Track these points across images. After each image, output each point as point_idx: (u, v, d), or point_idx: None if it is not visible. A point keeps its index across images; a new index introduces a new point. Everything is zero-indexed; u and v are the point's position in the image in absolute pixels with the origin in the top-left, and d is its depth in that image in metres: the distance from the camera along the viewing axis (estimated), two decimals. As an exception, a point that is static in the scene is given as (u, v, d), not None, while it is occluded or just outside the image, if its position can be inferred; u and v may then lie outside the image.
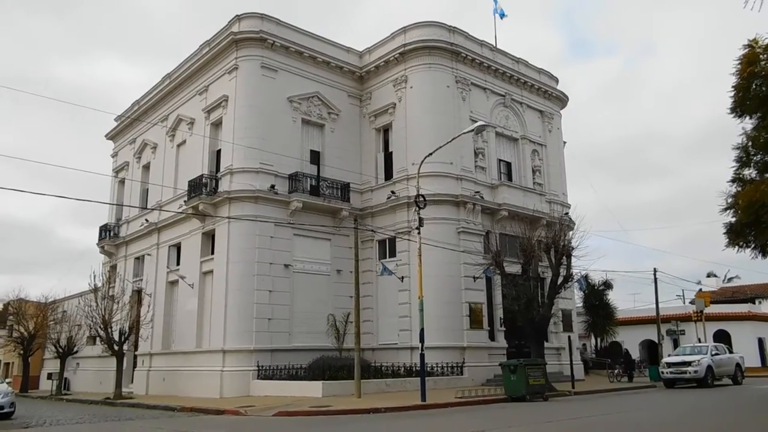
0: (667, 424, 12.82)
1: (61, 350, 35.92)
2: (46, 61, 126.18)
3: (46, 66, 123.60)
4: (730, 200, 18.42)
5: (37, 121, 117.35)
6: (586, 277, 35.85)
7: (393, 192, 27.07)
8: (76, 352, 36.58)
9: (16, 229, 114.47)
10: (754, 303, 47.62)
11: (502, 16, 32.06)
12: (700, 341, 34.23)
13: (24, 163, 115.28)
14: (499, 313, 26.98)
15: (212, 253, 26.27)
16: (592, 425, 12.96)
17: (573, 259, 25.15)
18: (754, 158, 18.14)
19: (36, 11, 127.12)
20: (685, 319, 38.98)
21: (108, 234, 35.99)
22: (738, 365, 28.54)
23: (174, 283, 28.98)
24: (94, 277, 30.38)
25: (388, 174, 28.35)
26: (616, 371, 29.48)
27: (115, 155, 39.05)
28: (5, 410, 18.60)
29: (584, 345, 30.22)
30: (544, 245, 24.64)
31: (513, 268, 25.23)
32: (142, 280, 31.97)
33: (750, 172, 18.50)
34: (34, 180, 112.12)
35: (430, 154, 21.54)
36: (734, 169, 18.72)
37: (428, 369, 20.56)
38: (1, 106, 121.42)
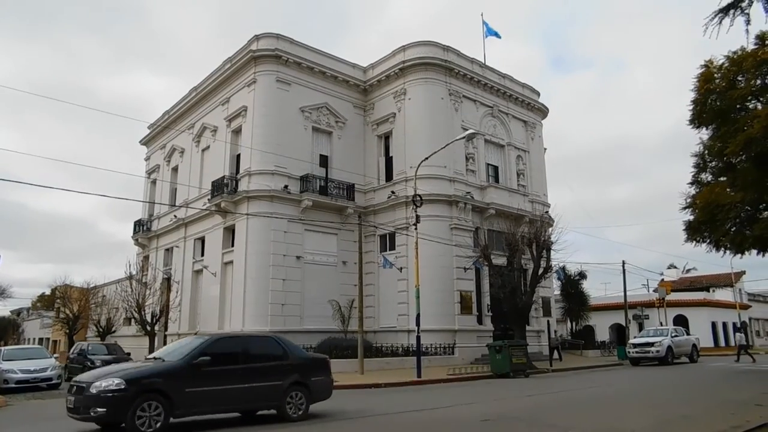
0: (632, 395, 12.94)
1: (101, 330, 36.02)
2: (88, 75, 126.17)
3: (88, 79, 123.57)
4: (689, 200, 18.54)
5: (80, 129, 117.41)
6: (563, 269, 36.04)
7: (393, 192, 27.10)
8: (114, 331, 36.66)
9: (63, 223, 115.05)
10: (708, 291, 47.78)
11: (495, 34, 31.46)
12: (661, 324, 34.41)
13: (69, 165, 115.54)
14: (486, 300, 27.02)
15: (232, 245, 26.34)
16: (566, 397, 13.10)
17: (552, 253, 25.23)
18: (710, 164, 18.25)
19: (78, 31, 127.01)
20: (649, 305, 39.28)
21: (141, 228, 36.06)
22: (694, 346, 28.56)
23: (199, 272, 29.08)
24: (130, 266, 30.56)
25: (389, 176, 28.34)
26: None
27: (147, 159, 39.07)
28: (53, 381, 19.11)
29: (555, 332, 29.80)
30: (527, 240, 24.69)
31: (499, 260, 25.33)
32: (171, 269, 32.05)
33: (706, 176, 18.61)
34: (78, 180, 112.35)
35: (426, 158, 21.60)
36: (693, 173, 18.83)
37: (423, 349, 20.63)
38: (51, 116, 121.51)
